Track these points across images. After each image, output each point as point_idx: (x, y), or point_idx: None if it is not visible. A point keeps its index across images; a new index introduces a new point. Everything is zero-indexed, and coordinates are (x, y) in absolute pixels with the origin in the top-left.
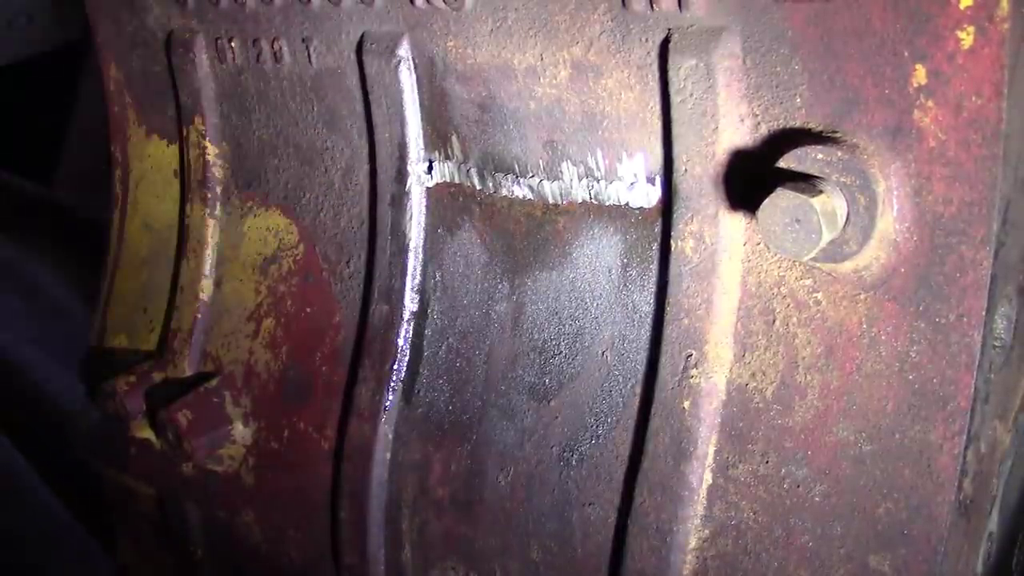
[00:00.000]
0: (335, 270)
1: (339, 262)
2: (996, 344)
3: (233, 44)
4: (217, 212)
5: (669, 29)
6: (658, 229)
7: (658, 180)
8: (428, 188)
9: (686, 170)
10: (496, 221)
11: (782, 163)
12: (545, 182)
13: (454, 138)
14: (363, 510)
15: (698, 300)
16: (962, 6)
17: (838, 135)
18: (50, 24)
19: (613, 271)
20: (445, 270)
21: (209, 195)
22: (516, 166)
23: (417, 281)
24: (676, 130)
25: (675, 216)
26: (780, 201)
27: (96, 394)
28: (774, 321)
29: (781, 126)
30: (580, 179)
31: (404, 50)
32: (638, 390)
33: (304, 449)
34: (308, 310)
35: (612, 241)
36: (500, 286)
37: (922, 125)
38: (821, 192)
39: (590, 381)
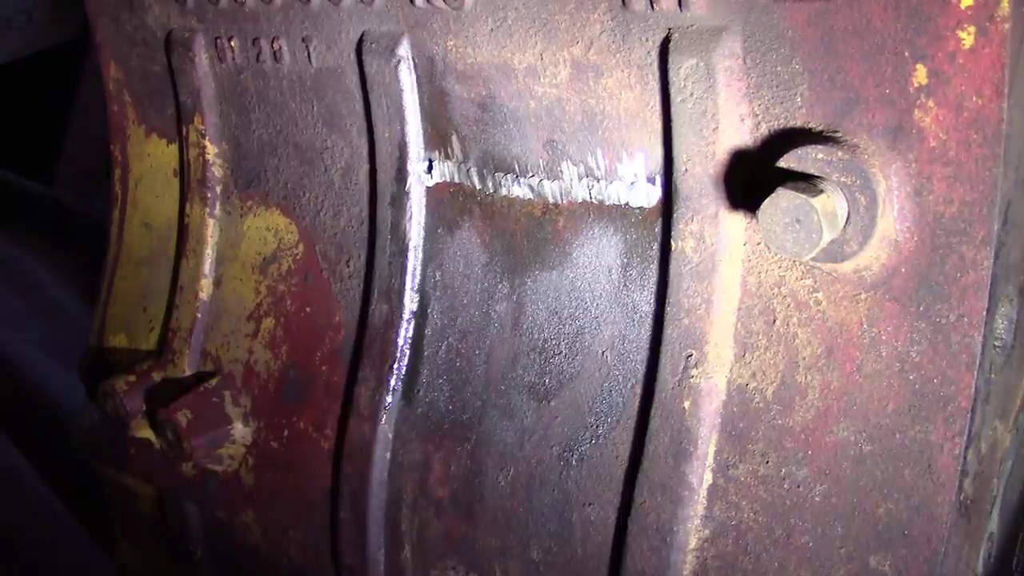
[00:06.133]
0: (335, 270)
1: (339, 262)
2: (997, 344)
3: (233, 43)
4: (217, 211)
5: (669, 29)
6: (658, 229)
7: (658, 180)
8: (428, 188)
9: (686, 170)
10: (496, 221)
11: (782, 163)
12: (545, 182)
13: (454, 138)
14: (363, 510)
15: (698, 300)
16: (963, 6)
17: (839, 135)
18: (49, 23)
19: (613, 271)
20: (445, 270)
21: (209, 194)
22: (516, 166)
23: (417, 281)
24: (676, 130)
25: (675, 216)
26: (780, 201)
27: (96, 394)
28: (774, 321)
29: (781, 126)
30: (580, 179)
31: (404, 50)
32: (638, 390)
33: (304, 449)
34: (308, 310)
35: (612, 241)
36: (500, 286)
37: (923, 125)
38: (822, 192)
39: (590, 381)
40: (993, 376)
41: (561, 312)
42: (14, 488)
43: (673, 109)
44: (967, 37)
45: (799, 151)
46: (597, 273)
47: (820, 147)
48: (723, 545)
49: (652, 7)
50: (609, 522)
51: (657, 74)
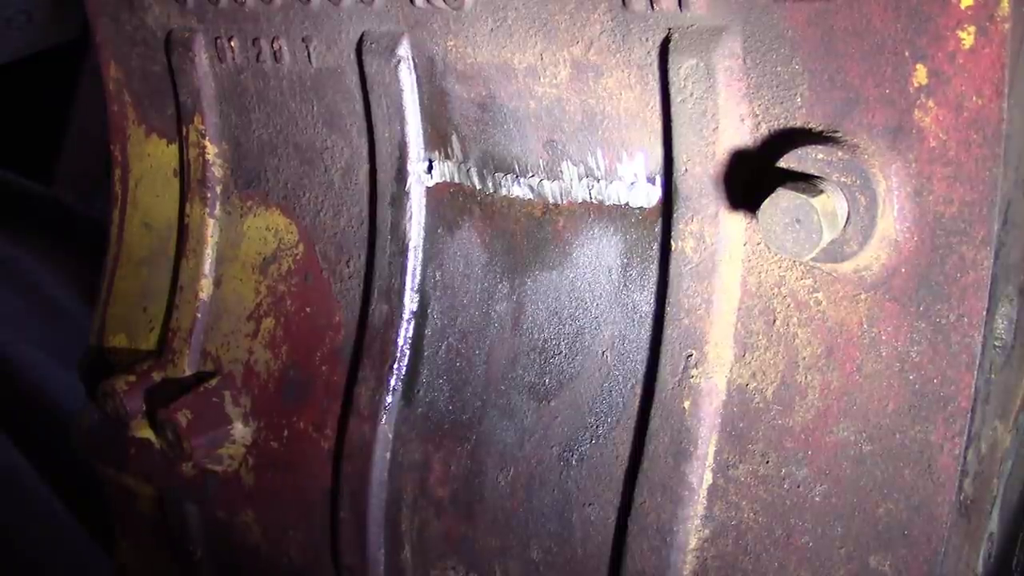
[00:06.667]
0: (335, 270)
1: (339, 262)
2: (997, 344)
3: (233, 43)
4: (217, 211)
5: (669, 29)
6: (658, 229)
7: (658, 180)
8: (428, 188)
9: (686, 170)
10: (496, 221)
11: (782, 163)
12: (545, 182)
13: (454, 138)
14: (363, 510)
15: (698, 300)
16: (963, 6)
17: (839, 135)
18: (49, 23)
19: (613, 271)
20: (445, 270)
21: (209, 194)
22: (516, 166)
23: (417, 281)
24: (676, 130)
25: (675, 216)
26: (780, 201)
27: (96, 394)
28: (774, 321)
29: (781, 126)
30: (580, 179)
31: (404, 49)
32: (638, 390)
33: (304, 449)
34: (308, 310)
35: (612, 241)
36: (500, 286)
37: (923, 125)
38: (822, 192)
39: (590, 381)
40: (993, 376)
41: (561, 312)
42: (14, 488)
43: (673, 109)
44: (967, 37)
45: (799, 151)
46: (597, 273)
47: (820, 147)
48: (723, 545)
49: (652, 7)
50: (609, 522)
51: (657, 74)
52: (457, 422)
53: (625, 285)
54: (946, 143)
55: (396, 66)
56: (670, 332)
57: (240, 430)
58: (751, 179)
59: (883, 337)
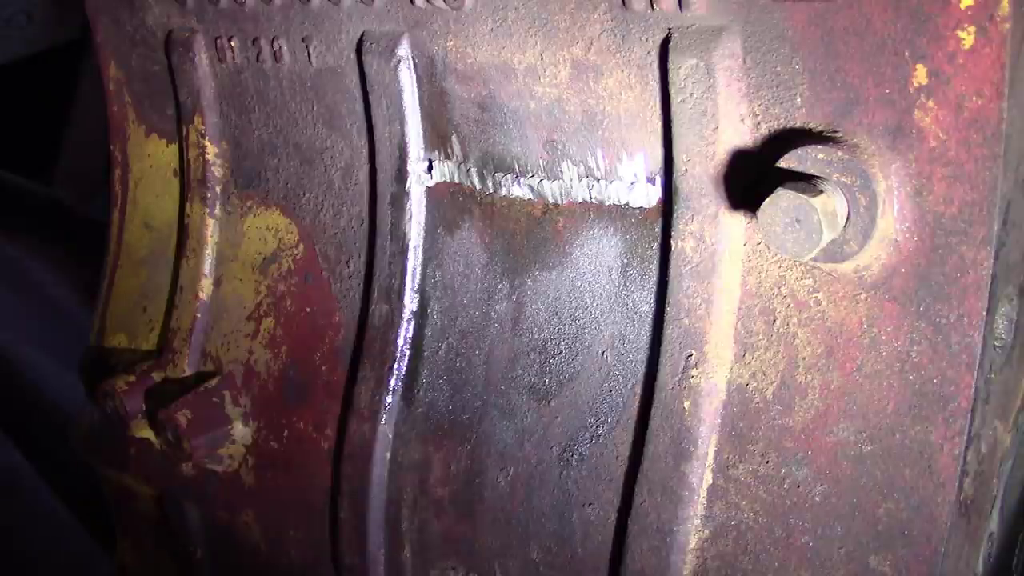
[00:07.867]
0: (335, 270)
1: (339, 262)
2: (997, 344)
3: (233, 43)
4: (217, 211)
5: (669, 29)
6: (658, 229)
7: (658, 180)
8: (428, 188)
9: (686, 170)
10: (496, 221)
11: (782, 163)
12: (545, 182)
13: (454, 138)
14: (363, 510)
15: (698, 300)
16: (963, 6)
17: (839, 135)
18: (49, 23)
19: (613, 271)
20: (445, 270)
21: (209, 194)
22: (516, 166)
23: (417, 281)
24: (676, 130)
25: (675, 216)
26: (780, 201)
27: (96, 394)
28: (774, 321)
29: (781, 126)
30: (580, 179)
31: (404, 50)
32: (638, 390)
33: (304, 449)
34: (308, 310)
35: (612, 241)
36: (500, 286)
37: (923, 125)
38: (821, 192)
39: (590, 381)
40: (993, 376)
41: (561, 312)
42: (14, 488)
43: (673, 109)
44: (967, 37)
45: (799, 151)
46: (597, 273)
47: (820, 147)
48: (723, 545)
49: (652, 7)
50: (609, 522)
51: (657, 74)
52: (457, 422)
53: (625, 285)
54: (946, 143)
55: (396, 66)
56: (670, 332)
57: (240, 430)
58: (751, 179)
59: (883, 337)
